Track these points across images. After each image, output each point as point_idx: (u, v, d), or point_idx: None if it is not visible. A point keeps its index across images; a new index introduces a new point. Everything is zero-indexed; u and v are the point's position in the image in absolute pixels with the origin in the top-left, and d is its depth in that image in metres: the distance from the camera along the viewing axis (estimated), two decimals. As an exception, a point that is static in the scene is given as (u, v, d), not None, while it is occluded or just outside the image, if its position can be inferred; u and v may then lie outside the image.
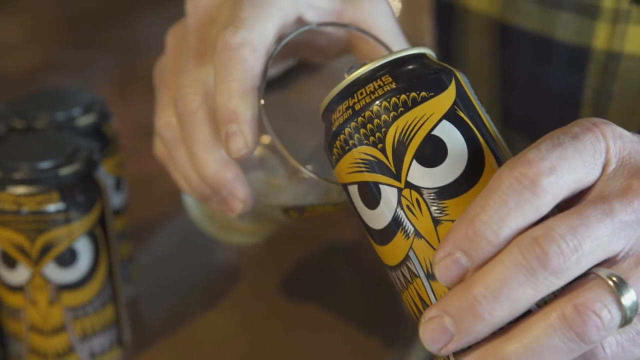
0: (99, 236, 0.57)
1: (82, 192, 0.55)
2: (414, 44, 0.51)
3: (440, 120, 0.41)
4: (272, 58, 0.48)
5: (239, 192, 0.50)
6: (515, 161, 0.38)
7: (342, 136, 0.42)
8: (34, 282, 0.56)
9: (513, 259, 0.37)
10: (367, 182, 0.42)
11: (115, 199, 0.64)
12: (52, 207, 0.54)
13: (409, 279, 0.41)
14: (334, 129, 0.43)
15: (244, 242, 0.61)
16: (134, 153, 0.74)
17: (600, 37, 0.58)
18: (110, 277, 0.58)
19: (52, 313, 0.56)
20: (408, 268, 0.41)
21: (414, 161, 0.41)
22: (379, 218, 0.42)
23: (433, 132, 0.41)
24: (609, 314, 0.37)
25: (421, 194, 0.40)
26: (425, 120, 0.41)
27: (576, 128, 0.40)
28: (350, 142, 0.42)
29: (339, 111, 0.43)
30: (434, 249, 0.40)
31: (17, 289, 0.56)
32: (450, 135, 0.41)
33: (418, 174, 0.40)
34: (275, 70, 0.55)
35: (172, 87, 0.51)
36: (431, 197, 0.40)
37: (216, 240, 0.60)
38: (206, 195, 0.51)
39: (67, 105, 0.62)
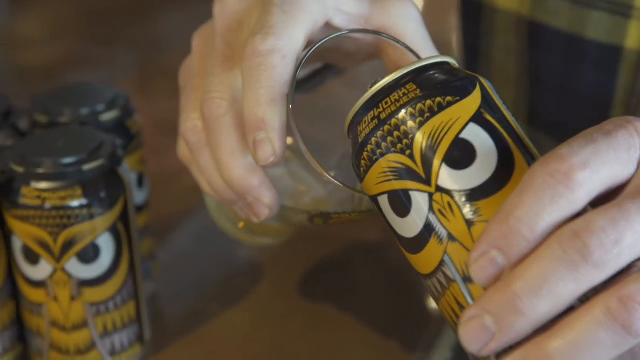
0: (121, 232, 0.57)
1: (105, 187, 0.55)
2: (438, 43, 0.51)
3: (467, 124, 0.41)
4: (302, 65, 0.48)
5: (264, 198, 0.50)
6: (548, 158, 0.38)
7: (369, 146, 0.42)
8: (55, 277, 0.56)
9: (553, 253, 0.37)
10: (396, 191, 0.42)
11: (137, 195, 0.64)
12: (75, 203, 0.54)
13: (445, 284, 0.41)
14: (360, 140, 0.43)
15: (266, 243, 0.61)
16: (155, 149, 0.74)
17: (633, 36, 0.57)
18: (131, 273, 0.58)
19: (73, 309, 0.56)
20: (444, 274, 0.40)
21: (444, 165, 0.40)
22: (410, 226, 0.41)
23: (461, 136, 0.41)
24: None
25: (452, 197, 0.40)
26: (453, 125, 0.41)
27: (609, 126, 0.39)
28: (378, 151, 0.42)
29: (365, 122, 0.43)
30: (469, 251, 0.39)
31: (39, 284, 0.56)
32: (478, 137, 0.41)
33: (448, 177, 0.40)
34: (301, 73, 0.54)
35: (198, 90, 0.51)
36: (463, 200, 0.40)
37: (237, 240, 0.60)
38: (230, 199, 0.51)
39: (91, 100, 0.62)
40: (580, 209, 0.38)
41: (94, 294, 0.56)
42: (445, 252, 0.40)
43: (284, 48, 0.47)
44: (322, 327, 0.63)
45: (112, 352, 0.58)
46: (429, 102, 0.41)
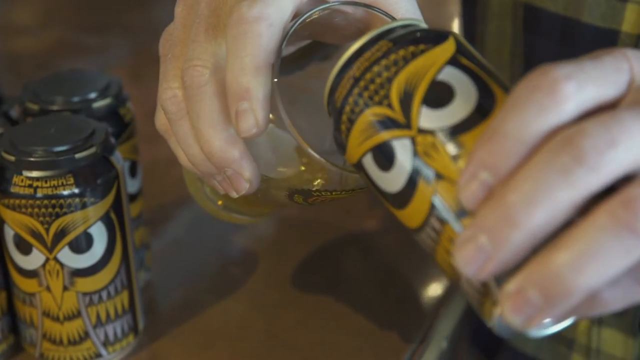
0: (114, 221, 0.56)
1: (98, 176, 0.55)
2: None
3: (443, 67, 0.41)
4: (288, 36, 0.47)
5: (245, 171, 0.48)
6: (530, 75, 0.37)
7: (347, 107, 0.42)
8: (48, 267, 0.55)
9: (544, 161, 0.35)
10: (379, 145, 0.41)
11: (131, 184, 0.63)
12: (67, 192, 0.54)
13: (439, 229, 0.40)
14: (338, 105, 0.43)
15: (245, 221, 0.60)
16: (149, 137, 0.73)
17: (629, 20, 0.57)
18: (124, 263, 0.57)
19: (66, 299, 0.56)
20: (436, 218, 0.40)
21: (423, 106, 0.40)
22: (396, 178, 0.41)
23: (437, 78, 0.41)
24: None
25: (435, 136, 0.40)
26: (428, 69, 0.41)
27: (598, 52, 0.39)
28: (356, 109, 0.42)
29: (341, 87, 0.43)
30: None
31: (31, 274, 0.55)
32: (455, 77, 0.40)
33: (429, 118, 0.40)
34: (288, 49, 0.53)
35: (179, 59, 0.49)
36: (446, 136, 0.39)
37: (228, 224, 0.59)
38: (209, 172, 0.50)
39: (83, 88, 0.61)
40: (568, 122, 0.36)
41: (87, 284, 0.56)
42: (434, 193, 0.39)
43: (271, 16, 0.45)
44: (316, 317, 0.63)
45: (106, 343, 0.58)
46: (402, 51, 0.41)
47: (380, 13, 0.49)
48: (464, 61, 0.41)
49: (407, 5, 0.49)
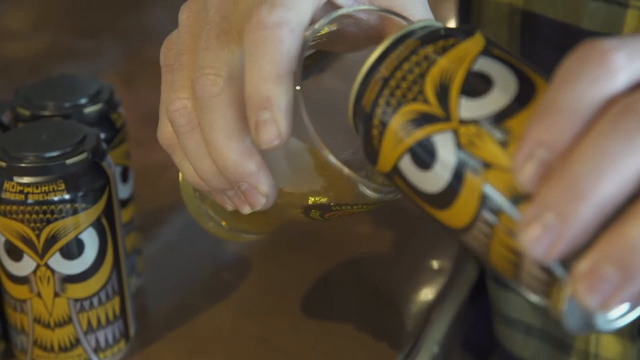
0: (106, 227, 0.56)
1: (89, 182, 0.55)
2: None
3: (477, 58, 0.40)
4: (309, 42, 0.45)
5: (262, 185, 0.46)
6: (577, 49, 0.35)
7: (378, 110, 0.41)
8: (39, 273, 0.55)
9: (607, 128, 0.34)
10: (417, 143, 0.39)
11: (122, 190, 0.63)
12: (58, 197, 0.54)
13: (493, 222, 0.38)
14: (367, 110, 0.41)
15: (248, 239, 0.58)
16: (141, 142, 0.73)
17: (630, 26, 0.56)
18: (116, 268, 0.57)
19: (57, 305, 0.56)
20: (489, 210, 0.37)
21: (462, 97, 0.39)
22: (440, 174, 0.39)
23: (474, 69, 0.39)
24: None
25: (479, 124, 0.38)
26: (462, 60, 0.39)
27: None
28: (389, 110, 0.40)
29: (368, 91, 0.41)
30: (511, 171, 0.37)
31: (22, 280, 0.55)
32: (492, 67, 0.39)
33: (469, 108, 0.38)
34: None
35: (188, 68, 0.47)
36: (491, 124, 0.38)
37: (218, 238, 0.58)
38: (219, 188, 0.48)
39: (74, 93, 0.61)
40: (622, 93, 0.35)
41: (78, 290, 0.56)
42: (484, 184, 0.37)
43: (292, 21, 0.43)
44: (308, 322, 0.63)
45: (97, 349, 0.58)
46: (431, 47, 0.40)
47: (397, 17, 0.47)
48: (497, 52, 0.40)
49: (422, 10, 0.48)
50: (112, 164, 0.57)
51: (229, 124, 0.45)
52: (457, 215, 0.39)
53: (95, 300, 0.57)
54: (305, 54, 0.50)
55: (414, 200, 0.41)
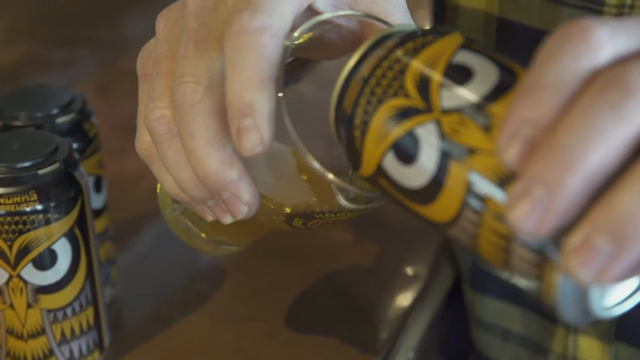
0: (79, 237, 0.56)
1: (62, 192, 0.54)
2: None
3: (456, 51, 0.39)
4: (290, 48, 0.44)
5: (244, 193, 0.45)
6: (558, 28, 0.35)
7: (359, 110, 0.40)
8: (11, 284, 0.55)
9: (592, 99, 0.33)
10: (400, 138, 0.39)
11: (96, 200, 0.63)
12: (30, 208, 0.53)
13: (480, 209, 0.37)
14: (348, 112, 0.41)
15: (229, 251, 0.58)
16: (115, 152, 0.73)
17: None
18: (90, 279, 0.57)
19: (30, 316, 0.55)
20: (475, 197, 0.37)
21: (443, 87, 0.38)
22: (424, 167, 0.38)
23: (453, 61, 0.39)
24: None
25: (461, 112, 0.38)
26: (442, 54, 0.39)
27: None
28: (370, 108, 0.40)
29: (349, 93, 0.41)
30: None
31: (-5, 291, 0.55)
32: (471, 58, 0.39)
33: (450, 97, 0.38)
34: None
35: (166, 76, 0.46)
36: (473, 110, 0.37)
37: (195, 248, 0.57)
38: (200, 197, 0.47)
39: (47, 103, 0.61)
40: (606, 67, 0.35)
41: (51, 301, 0.56)
42: (469, 171, 0.37)
43: (274, 26, 0.43)
44: (283, 330, 0.62)
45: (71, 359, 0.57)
46: (410, 44, 0.40)
47: (377, 22, 0.47)
48: (477, 46, 0.40)
49: (402, 16, 0.48)
50: (84, 174, 0.56)
51: (210, 132, 0.44)
52: (443, 208, 0.39)
53: (69, 311, 0.56)
54: (286, 61, 0.50)
55: (399, 200, 0.41)
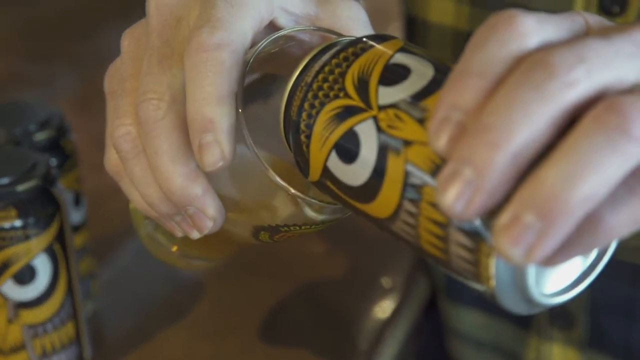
0: (58, 252, 0.56)
1: (40, 208, 0.55)
2: None
3: (394, 54, 0.41)
4: (250, 63, 0.45)
5: (208, 208, 0.46)
6: (486, 20, 0.36)
7: (303, 114, 0.41)
8: (-9, 300, 0.55)
9: (516, 81, 0.34)
10: (341, 137, 0.40)
11: (75, 215, 0.63)
12: (9, 224, 0.54)
13: (417, 199, 0.37)
14: (294, 117, 0.42)
15: (202, 266, 0.58)
16: (94, 167, 0.73)
17: None
18: (70, 293, 0.57)
19: (10, 331, 0.56)
20: (412, 187, 0.37)
21: (380, 86, 0.39)
22: (364, 163, 0.39)
23: (391, 62, 0.40)
24: None
25: (397, 107, 0.39)
26: (380, 57, 0.41)
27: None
28: (313, 112, 0.41)
29: (295, 100, 0.42)
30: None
31: (-26, 307, 0.55)
32: (409, 59, 0.40)
33: (388, 94, 0.39)
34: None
35: (131, 94, 0.47)
36: (409, 105, 0.38)
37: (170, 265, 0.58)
38: (167, 213, 0.47)
39: (24, 120, 0.61)
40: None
41: (31, 316, 0.56)
42: (406, 162, 0.38)
43: (233, 42, 0.43)
44: (261, 342, 0.63)
45: (51, 374, 0.58)
46: (351, 49, 0.41)
47: (339, 37, 0.47)
48: (415, 49, 0.41)
49: (363, 31, 0.48)
50: (63, 189, 0.57)
51: (173, 148, 0.45)
52: (385, 202, 0.39)
53: (49, 326, 0.57)
54: (253, 77, 0.51)
55: (346, 201, 0.42)
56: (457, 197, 0.34)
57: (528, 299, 0.36)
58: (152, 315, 0.67)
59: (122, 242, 0.74)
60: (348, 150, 0.40)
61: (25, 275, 0.55)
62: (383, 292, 0.69)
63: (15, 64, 1.05)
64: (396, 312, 0.67)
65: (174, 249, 0.54)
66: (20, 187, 0.54)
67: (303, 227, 0.48)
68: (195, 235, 0.47)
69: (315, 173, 0.42)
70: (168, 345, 0.63)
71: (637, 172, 0.34)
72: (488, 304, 0.68)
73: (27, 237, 0.54)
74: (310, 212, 0.47)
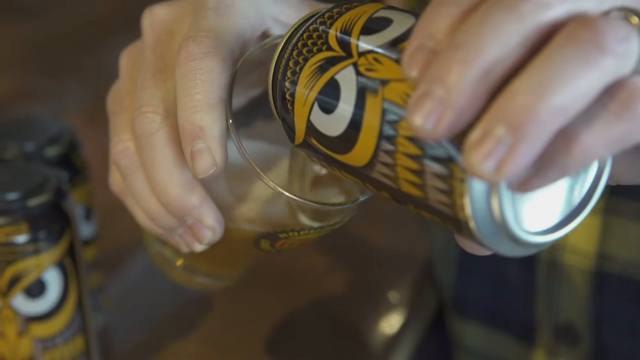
0: (68, 266, 0.56)
1: (51, 222, 0.55)
2: None
3: (378, 10, 0.41)
4: (237, 71, 0.46)
5: (206, 217, 0.46)
6: None
7: (288, 73, 0.42)
8: (2, 314, 0.55)
9: (488, 3, 0.34)
10: (322, 88, 0.40)
11: (85, 229, 0.63)
12: (20, 238, 0.54)
13: (394, 135, 0.37)
14: (280, 78, 0.42)
15: (210, 286, 0.58)
16: (105, 180, 0.74)
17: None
18: (79, 307, 0.58)
19: (21, 345, 0.56)
20: (389, 124, 0.37)
21: (361, 36, 0.40)
22: (344, 109, 0.39)
23: (374, 16, 0.41)
24: (619, 26, 0.33)
25: (376, 52, 0.39)
26: (364, 13, 0.41)
27: None
28: (297, 68, 0.41)
29: (282, 62, 0.42)
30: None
31: (-15, 321, 0.56)
32: (392, 13, 0.41)
33: (368, 41, 0.40)
34: (236, 101, 0.51)
35: (128, 110, 0.48)
36: (387, 48, 0.39)
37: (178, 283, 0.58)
38: (169, 227, 0.48)
39: (36, 135, 0.62)
40: None
41: (41, 330, 0.56)
42: (383, 99, 0.38)
43: (221, 50, 0.44)
44: (270, 357, 0.63)
45: (61, 387, 0.58)
46: (336, 9, 0.42)
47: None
48: (397, 8, 0.41)
49: None
50: (73, 204, 0.57)
51: (168, 159, 0.45)
52: (364, 147, 0.39)
53: (59, 340, 0.57)
54: (250, 95, 0.51)
55: (329, 156, 0.41)
56: (427, 115, 0.33)
57: (509, 234, 0.35)
58: (161, 329, 0.67)
59: (131, 256, 0.74)
60: (329, 99, 0.40)
61: (36, 289, 0.55)
62: (390, 307, 0.69)
63: (25, 79, 1.05)
64: (404, 327, 0.67)
65: (179, 262, 0.54)
66: (32, 202, 0.55)
67: (301, 232, 0.48)
68: (198, 247, 0.48)
69: (300, 133, 0.42)
70: (177, 359, 0.63)
71: (612, 89, 0.33)
72: (495, 319, 0.68)
73: (37, 252, 0.55)
74: (305, 217, 0.48)
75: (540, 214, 0.37)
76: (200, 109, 0.43)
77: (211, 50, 0.44)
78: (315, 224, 0.48)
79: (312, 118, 0.41)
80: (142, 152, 0.46)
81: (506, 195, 0.34)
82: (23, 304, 0.55)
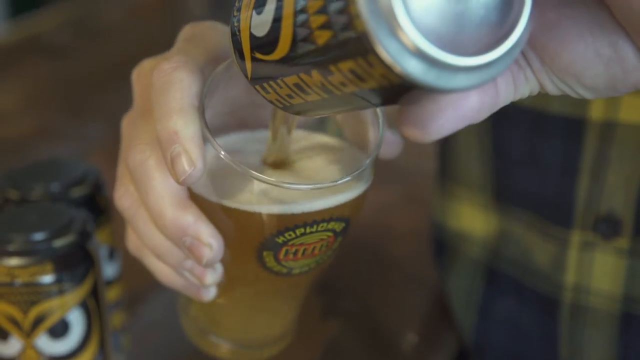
0: (92, 307, 0.57)
1: (76, 263, 0.56)
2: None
3: None
4: (210, 84, 0.47)
5: (203, 234, 0.47)
6: None
7: (234, 7, 0.42)
8: (25, 354, 0.56)
9: None
10: None
11: (108, 269, 0.64)
12: (45, 279, 0.55)
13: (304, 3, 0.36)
14: (230, 20, 0.43)
15: (225, 354, 0.58)
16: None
17: (596, 107, 0.59)
18: (102, 348, 0.58)
19: (43, 384, 0.56)
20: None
21: None
22: (269, 6, 0.39)
23: None
24: None
25: None
26: None
27: None
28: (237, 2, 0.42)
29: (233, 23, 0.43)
30: None
31: (9, 360, 0.56)
32: None
33: None
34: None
35: (126, 160, 0.50)
36: None
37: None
38: (176, 261, 0.49)
39: (61, 176, 0.63)
40: None
41: (64, 370, 0.57)
42: None
43: (189, 64, 0.46)
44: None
45: None
46: None
47: None
48: None
49: None
50: (97, 245, 0.58)
51: (159, 183, 0.47)
52: (285, 37, 0.38)
53: (81, 379, 0.57)
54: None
55: (265, 62, 0.41)
56: None
57: (410, 47, 0.32)
58: (182, 369, 0.67)
59: (153, 295, 0.74)
60: (261, 2, 0.40)
61: (59, 330, 0.56)
62: (409, 349, 0.69)
63: (48, 118, 1.06)
64: (435, 342, 0.67)
65: (205, 327, 0.57)
66: (57, 243, 0.55)
67: (297, 231, 0.47)
68: (208, 280, 0.49)
69: (247, 58, 0.42)
70: (198, 399, 0.63)
71: None
72: (515, 357, 0.68)
73: (62, 292, 0.55)
74: (294, 201, 0.47)
75: (457, 34, 0.34)
76: (172, 114, 0.45)
77: (180, 65, 0.46)
78: (311, 219, 0.47)
79: (252, 29, 0.41)
80: (137, 183, 0.48)
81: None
82: (46, 344, 0.56)
